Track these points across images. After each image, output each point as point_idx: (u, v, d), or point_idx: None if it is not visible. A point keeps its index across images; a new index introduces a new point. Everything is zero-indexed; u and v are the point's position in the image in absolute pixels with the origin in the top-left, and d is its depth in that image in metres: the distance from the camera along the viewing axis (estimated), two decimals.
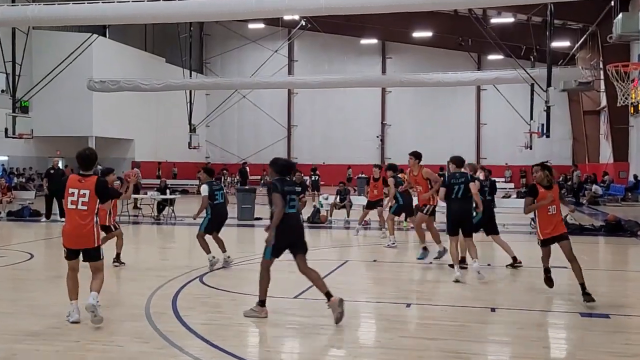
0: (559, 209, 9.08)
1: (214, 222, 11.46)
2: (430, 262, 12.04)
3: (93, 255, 7.55)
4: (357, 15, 30.01)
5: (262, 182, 35.69)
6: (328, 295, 7.69)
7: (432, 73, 38.48)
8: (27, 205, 22.52)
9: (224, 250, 11.48)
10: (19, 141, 31.64)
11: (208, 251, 11.19)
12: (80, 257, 7.54)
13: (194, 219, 11.83)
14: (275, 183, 7.92)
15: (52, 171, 21.20)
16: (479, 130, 47.36)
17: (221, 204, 11.60)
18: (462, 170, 10.94)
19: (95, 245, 7.54)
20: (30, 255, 13.03)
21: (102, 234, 8.61)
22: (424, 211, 12.36)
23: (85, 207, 7.42)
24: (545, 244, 9.18)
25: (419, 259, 12.47)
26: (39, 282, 10.76)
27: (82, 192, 7.45)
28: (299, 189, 8.35)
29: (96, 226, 7.57)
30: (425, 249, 12.56)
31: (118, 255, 11.45)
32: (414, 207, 14.65)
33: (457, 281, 9.95)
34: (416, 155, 12.83)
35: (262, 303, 7.84)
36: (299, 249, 7.99)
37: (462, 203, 10.53)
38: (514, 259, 11.58)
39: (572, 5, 25.61)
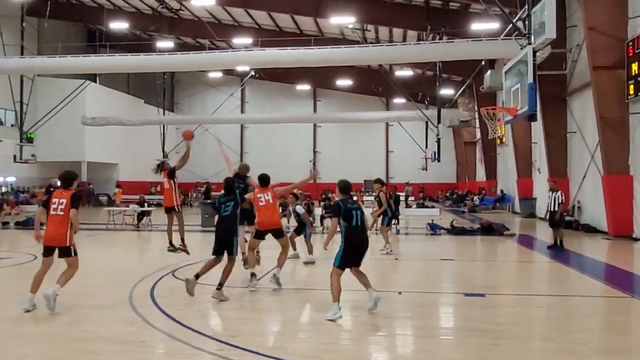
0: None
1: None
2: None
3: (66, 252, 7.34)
4: (293, 68, 30.23)
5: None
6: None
7: (351, 112, 39.11)
8: (31, 216, 21.68)
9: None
10: (24, 165, 30.72)
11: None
12: (56, 253, 7.32)
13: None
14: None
15: (51, 189, 20.42)
16: (387, 156, 47.97)
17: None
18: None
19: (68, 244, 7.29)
20: (34, 256, 12.57)
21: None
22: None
23: (62, 213, 7.24)
24: None
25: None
26: None
27: (61, 201, 7.30)
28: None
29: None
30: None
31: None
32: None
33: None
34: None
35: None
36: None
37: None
38: None
39: (455, 63, 26.47)
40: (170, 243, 10.17)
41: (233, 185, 8.61)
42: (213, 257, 8.15)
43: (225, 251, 8.13)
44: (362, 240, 7.11)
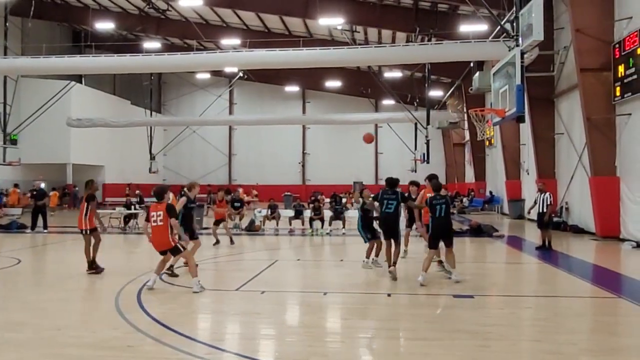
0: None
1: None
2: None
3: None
4: (282, 69, 30.27)
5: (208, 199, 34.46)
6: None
7: (340, 114, 39.18)
8: (14, 219, 21.48)
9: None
10: (8, 167, 30.33)
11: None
12: None
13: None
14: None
15: (34, 192, 20.23)
16: (377, 158, 48.09)
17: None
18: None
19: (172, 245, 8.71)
20: (18, 260, 12.47)
21: None
22: None
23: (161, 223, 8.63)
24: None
25: None
26: (26, 282, 10.33)
27: (158, 213, 8.66)
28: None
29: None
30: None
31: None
32: None
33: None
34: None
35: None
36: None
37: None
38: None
39: (443, 65, 26.62)
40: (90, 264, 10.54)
41: (396, 184, 10.06)
42: (385, 240, 10.02)
43: (392, 238, 9.87)
44: (442, 227, 9.42)
